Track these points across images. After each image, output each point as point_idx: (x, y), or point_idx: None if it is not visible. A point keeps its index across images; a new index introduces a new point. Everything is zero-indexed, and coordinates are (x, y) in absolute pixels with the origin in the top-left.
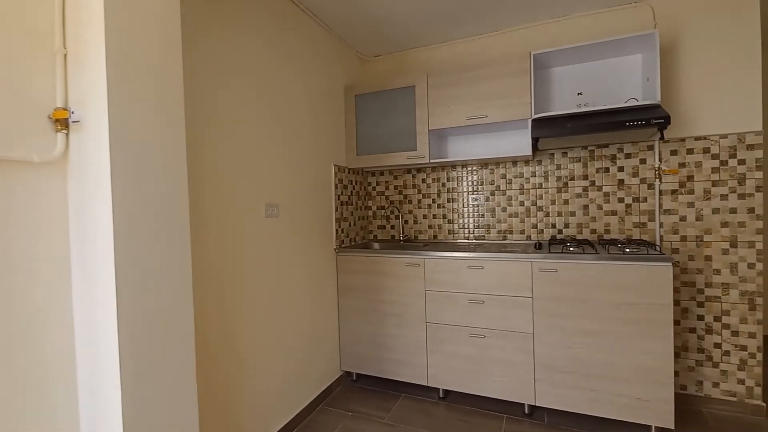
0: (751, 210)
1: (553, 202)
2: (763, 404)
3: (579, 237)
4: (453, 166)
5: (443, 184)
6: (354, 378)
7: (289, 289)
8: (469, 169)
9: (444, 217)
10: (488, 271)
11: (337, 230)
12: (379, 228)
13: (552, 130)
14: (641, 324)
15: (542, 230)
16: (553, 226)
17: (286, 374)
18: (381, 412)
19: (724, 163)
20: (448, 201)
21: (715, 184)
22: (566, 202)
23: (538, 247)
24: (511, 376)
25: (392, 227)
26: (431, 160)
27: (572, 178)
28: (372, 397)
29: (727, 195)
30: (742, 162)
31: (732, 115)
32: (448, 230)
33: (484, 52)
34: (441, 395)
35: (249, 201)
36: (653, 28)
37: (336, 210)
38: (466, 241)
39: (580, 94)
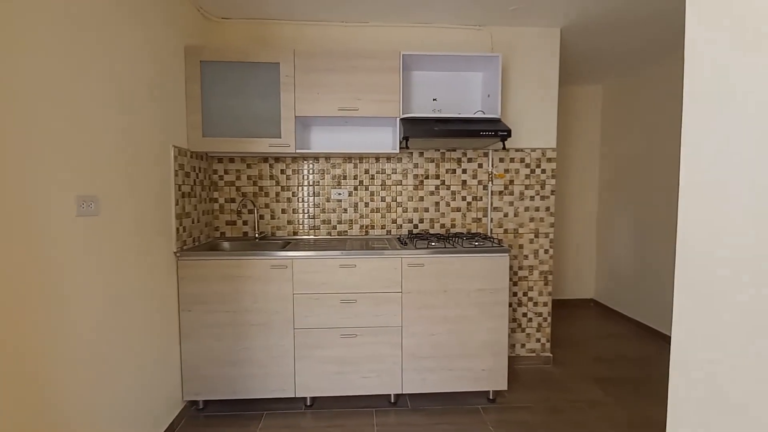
0: (547, 209)
1: (410, 199)
2: (551, 354)
3: (432, 231)
4: (316, 157)
5: (304, 177)
6: (200, 407)
7: (112, 310)
8: (333, 162)
9: (305, 212)
10: (361, 269)
11: (177, 229)
12: (228, 224)
13: (422, 132)
14: (487, 306)
15: (401, 225)
16: (410, 221)
17: (104, 424)
18: None
19: (533, 171)
20: (310, 195)
21: (527, 187)
22: (421, 198)
23: (404, 242)
24: (380, 371)
25: (245, 223)
26: (297, 150)
27: (427, 177)
28: (227, 426)
29: (533, 196)
30: (543, 171)
31: (538, 134)
32: (310, 226)
33: (357, 40)
34: (308, 403)
35: (47, 191)
36: (491, 51)
37: (176, 203)
38: (329, 237)
39: (435, 100)
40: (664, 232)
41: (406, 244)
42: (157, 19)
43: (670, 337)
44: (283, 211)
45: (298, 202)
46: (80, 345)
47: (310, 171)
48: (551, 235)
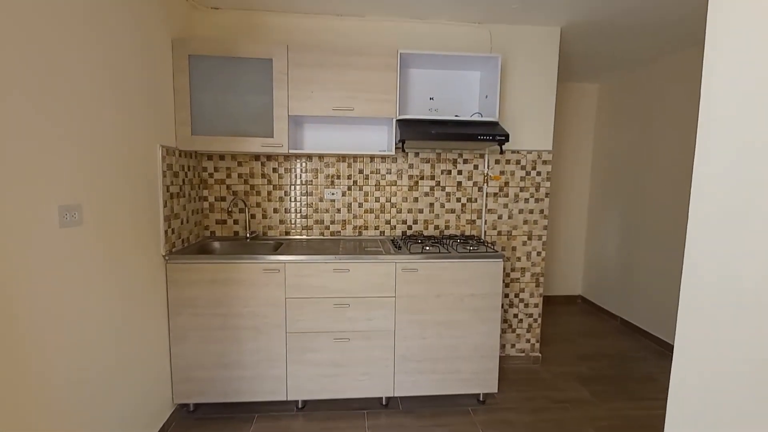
0: (541, 211)
1: (405, 200)
2: (540, 354)
3: (426, 233)
4: (309, 156)
5: (297, 176)
6: (191, 409)
7: (101, 315)
8: (326, 161)
9: (298, 211)
10: (354, 274)
11: (166, 231)
12: (218, 223)
13: (418, 134)
14: (479, 311)
15: (394, 226)
16: (404, 222)
17: (95, 427)
18: None
19: (528, 173)
20: (303, 195)
21: (522, 189)
22: (416, 200)
23: (397, 246)
24: (372, 374)
25: (235, 222)
26: (290, 151)
27: (422, 178)
28: (218, 428)
29: (528, 199)
30: (539, 173)
31: (535, 135)
32: (303, 226)
33: (352, 34)
34: (300, 406)
35: (27, 204)
36: (489, 48)
37: (165, 206)
38: (322, 238)
39: (432, 99)
40: (651, 231)
41: (399, 247)
42: (142, 7)
43: (653, 335)
44: (275, 210)
45: (291, 201)
46: (71, 351)
47: (303, 170)
48: (544, 238)
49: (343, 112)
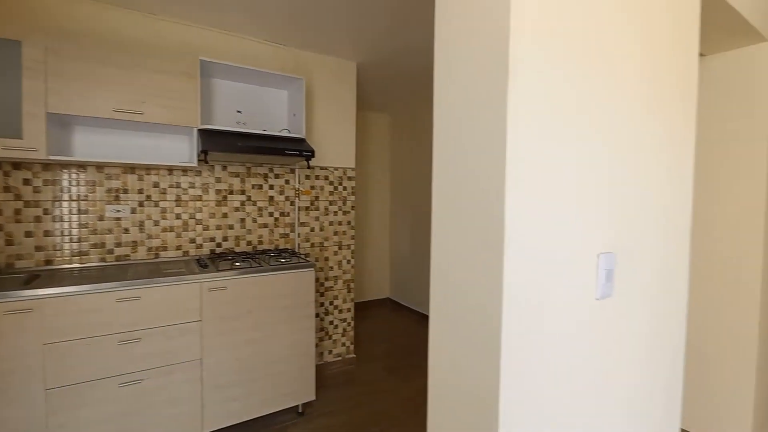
0: (349, 222)
1: (212, 216)
2: (354, 355)
3: (237, 249)
4: (82, 166)
5: (65, 190)
6: None
7: None
8: (108, 172)
9: (66, 234)
10: (147, 301)
11: None
12: None
13: (223, 146)
14: (294, 322)
15: (201, 245)
16: (212, 239)
17: None
18: None
19: (336, 188)
20: (74, 212)
21: (331, 203)
22: (225, 215)
23: (204, 265)
24: (177, 415)
25: None
26: (51, 157)
27: (231, 192)
28: None
29: (337, 212)
30: (345, 188)
31: (340, 153)
32: (74, 252)
33: (143, 33)
34: None
35: None
36: (295, 70)
37: None
38: (104, 264)
39: (240, 111)
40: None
41: (206, 266)
42: None
43: None
44: (29, 234)
45: (54, 221)
46: None
47: (74, 182)
48: (352, 247)
49: (129, 115)
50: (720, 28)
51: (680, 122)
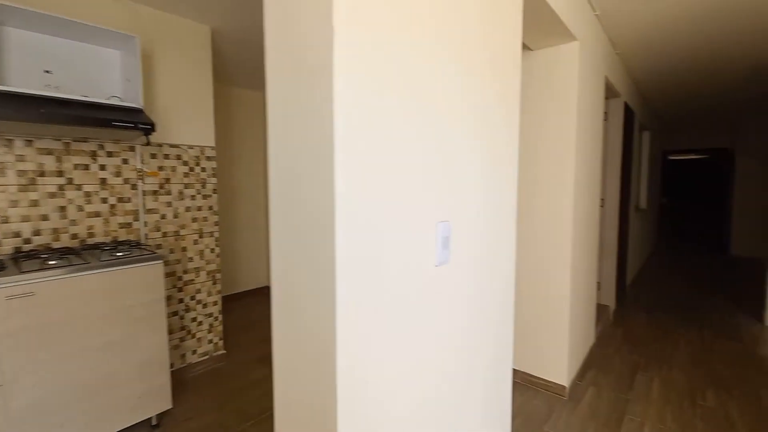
0: (210, 208)
1: (14, 204)
2: (224, 351)
3: (56, 245)
4: None
5: None
6: None
7: None
8: None
9: None
10: None
11: None
12: None
13: (19, 114)
14: (140, 323)
15: None
16: (17, 235)
17: None
18: None
19: (192, 169)
20: None
21: (186, 186)
22: (35, 203)
23: (1, 267)
24: None
25: None
26: None
27: (42, 174)
28: None
29: (194, 195)
30: (204, 170)
31: (196, 130)
32: None
33: None
34: None
35: None
36: (131, 29)
37: None
38: None
39: (49, 72)
40: None
41: (3, 267)
42: None
43: None
44: None
45: None
46: None
47: None
48: (216, 234)
49: None
50: (541, 25)
51: (504, 112)
